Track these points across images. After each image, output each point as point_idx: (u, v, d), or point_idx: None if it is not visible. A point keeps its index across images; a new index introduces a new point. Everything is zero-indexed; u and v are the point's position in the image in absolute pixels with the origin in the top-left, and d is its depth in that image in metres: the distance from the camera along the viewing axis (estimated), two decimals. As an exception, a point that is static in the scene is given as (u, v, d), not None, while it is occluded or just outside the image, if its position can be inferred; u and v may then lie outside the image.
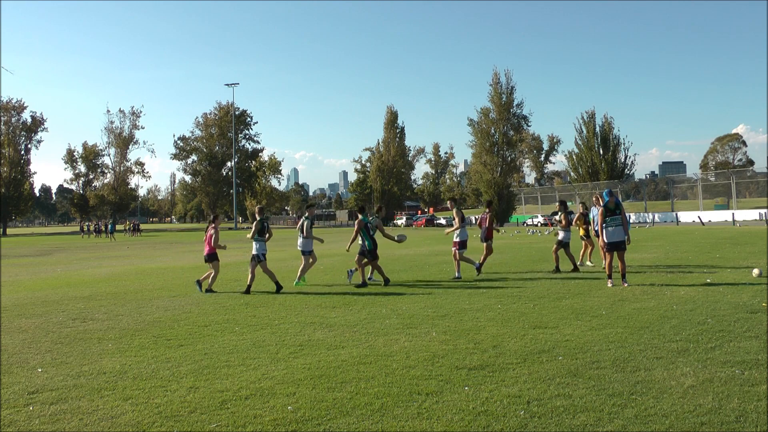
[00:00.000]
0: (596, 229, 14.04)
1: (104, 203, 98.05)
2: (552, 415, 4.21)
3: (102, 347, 6.83)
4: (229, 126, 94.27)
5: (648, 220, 52.23)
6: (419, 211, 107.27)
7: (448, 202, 13.17)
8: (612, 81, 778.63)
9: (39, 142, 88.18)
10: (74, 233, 73.12)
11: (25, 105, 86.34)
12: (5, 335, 7.69)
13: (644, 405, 4.36)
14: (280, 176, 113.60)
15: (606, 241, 10.76)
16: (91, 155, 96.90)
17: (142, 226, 73.33)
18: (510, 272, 13.72)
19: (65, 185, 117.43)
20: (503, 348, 6.22)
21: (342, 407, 4.51)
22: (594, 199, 14.49)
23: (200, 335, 7.38)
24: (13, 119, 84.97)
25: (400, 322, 7.85)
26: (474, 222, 52.42)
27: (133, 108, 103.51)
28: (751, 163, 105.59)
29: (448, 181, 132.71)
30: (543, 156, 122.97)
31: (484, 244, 14.04)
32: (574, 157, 66.66)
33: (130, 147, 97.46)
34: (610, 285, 10.65)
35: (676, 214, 50.97)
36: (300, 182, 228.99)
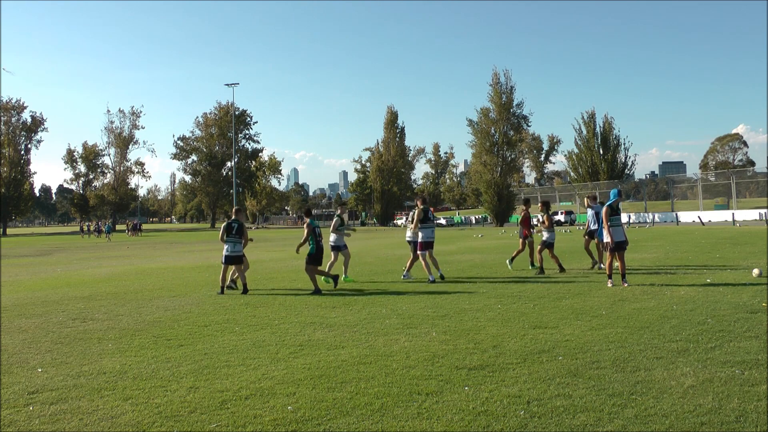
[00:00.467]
0: (591, 228, 14.02)
1: (104, 203, 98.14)
2: (552, 415, 4.21)
3: (102, 347, 6.83)
4: (229, 126, 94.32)
5: (648, 220, 52.20)
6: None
7: (417, 200, 13.03)
8: (612, 81, 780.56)
9: (39, 142, 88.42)
10: (74, 233, 73.10)
11: (25, 105, 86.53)
12: (5, 335, 7.69)
13: (644, 405, 4.36)
14: (280, 176, 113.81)
15: (615, 240, 10.69)
16: (91, 155, 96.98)
17: (142, 226, 73.28)
18: (510, 272, 13.72)
19: (65, 185, 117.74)
20: (503, 348, 6.22)
21: (342, 407, 4.51)
22: (587, 200, 14.49)
23: (200, 335, 7.38)
24: (13, 119, 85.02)
25: (400, 322, 7.85)
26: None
27: (133, 108, 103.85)
28: (751, 163, 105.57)
29: (448, 181, 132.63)
30: (543, 156, 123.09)
31: (521, 240, 14.43)
32: (574, 157, 66.64)
33: (130, 147, 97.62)
34: (610, 285, 10.65)
35: (676, 214, 50.95)
36: (300, 182, 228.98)
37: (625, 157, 64.46)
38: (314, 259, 11.37)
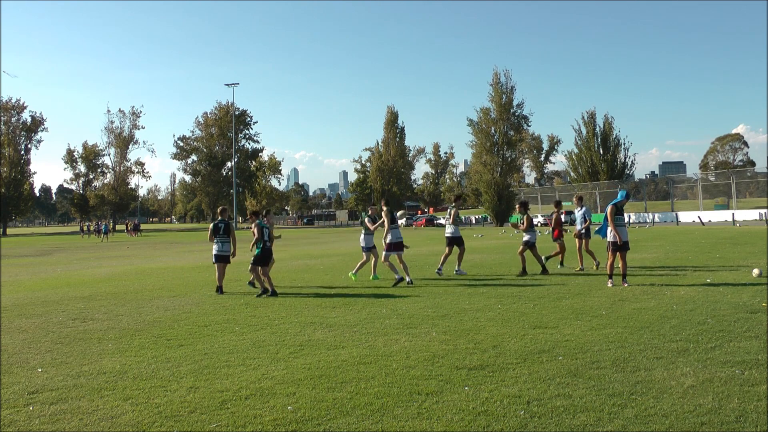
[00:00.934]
0: (579, 229, 13.97)
1: (104, 203, 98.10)
2: (552, 415, 4.21)
3: (102, 347, 6.83)
4: (229, 126, 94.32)
5: (648, 220, 52.21)
6: (419, 211, 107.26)
7: (382, 201, 12.98)
8: (612, 81, 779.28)
9: (39, 142, 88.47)
10: (74, 233, 73.10)
11: (24, 105, 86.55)
12: (5, 335, 7.70)
13: (644, 405, 4.36)
14: (280, 176, 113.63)
15: (622, 240, 10.64)
16: (91, 155, 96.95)
17: (142, 226, 73.30)
18: (510, 272, 13.72)
19: (65, 185, 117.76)
20: (503, 348, 6.22)
21: (342, 407, 4.51)
22: (575, 200, 14.49)
23: (200, 335, 7.38)
24: (13, 119, 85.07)
25: (400, 322, 7.85)
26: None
27: (133, 108, 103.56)
28: (752, 164, 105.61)
29: (448, 181, 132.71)
30: (543, 156, 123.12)
31: (556, 243, 14.52)
32: (573, 157, 66.60)
33: (130, 147, 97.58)
34: (610, 285, 10.65)
35: (676, 214, 50.96)
36: (300, 182, 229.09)
37: (625, 157, 64.42)
38: (260, 259, 11.16)
